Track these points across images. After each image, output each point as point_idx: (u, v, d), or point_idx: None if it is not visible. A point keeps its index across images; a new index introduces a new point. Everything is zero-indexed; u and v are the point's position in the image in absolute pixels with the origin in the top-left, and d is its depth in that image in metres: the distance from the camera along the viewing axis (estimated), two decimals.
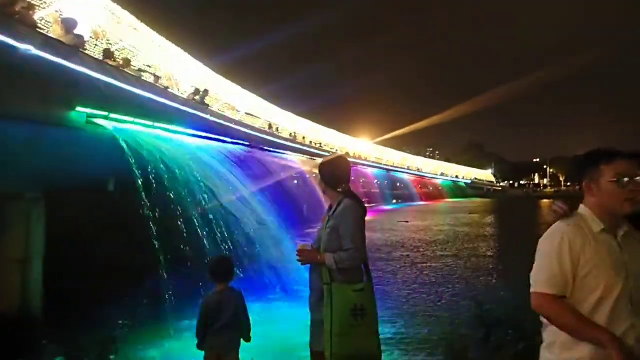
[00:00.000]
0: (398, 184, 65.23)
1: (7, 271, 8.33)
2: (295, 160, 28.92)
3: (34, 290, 8.47)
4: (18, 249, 8.35)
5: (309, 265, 3.51)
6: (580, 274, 2.20)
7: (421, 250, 17.84)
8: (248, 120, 25.50)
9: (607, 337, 2.06)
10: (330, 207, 3.55)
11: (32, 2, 7.83)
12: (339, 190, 3.51)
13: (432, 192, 76.93)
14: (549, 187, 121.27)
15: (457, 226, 28.35)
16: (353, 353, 3.31)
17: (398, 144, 77.97)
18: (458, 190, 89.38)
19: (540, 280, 2.27)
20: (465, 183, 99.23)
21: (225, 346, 3.69)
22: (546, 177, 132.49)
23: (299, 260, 3.44)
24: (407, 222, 29.63)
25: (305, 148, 33.90)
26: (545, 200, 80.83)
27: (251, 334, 3.88)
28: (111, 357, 6.66)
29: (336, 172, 3.57)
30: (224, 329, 3.66)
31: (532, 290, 2.29)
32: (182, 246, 9.19)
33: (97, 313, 7.87)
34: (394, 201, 57.31)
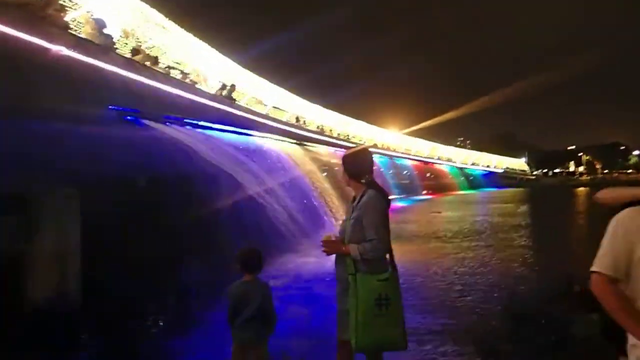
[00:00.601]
0: (428, 175, 64.60)
1: (45, 265, 8.64)
2: (323, 153, 28.97)
3: (72, 284, 8.78)
4: (55, 244, 8.66)
5: (334, 256, 3.56)
6: (635, 258, 2.17)
7: (454, 240, 17.62)
8: (275, 114, 25.64)
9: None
10: (354, 198, 3.59)
11: (64, 3, 8.03)
12: (362, 181, 3.55)
13: (460, 183, 75.79)
14: (585, 175, 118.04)
15: (491, 216, 27.95)
16: (378, 342, 3.35)
17: (427, 135, 76.74)
18: (489, 180, 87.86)
19: (596, 260, 2.28)
20: (497, 173, 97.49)
21: (252, 338, 3.73)
22: (581, 165, 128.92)
23: (324, 251, 3.49)
24: (439, 212, 29.28)
25: (333, 140, 33.92)
26: (580, 189, 78.66)
27: (275, 327, 3.89)
28: (144, 347, 6.88)
29: (359, 163, 3.62)
30: (251, 321, 3.70)
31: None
32: (211, 238, 9.36)
33: (131, 304, 8.12)
34: (424, 192, 56.79)
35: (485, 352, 6.54)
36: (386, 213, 3.49)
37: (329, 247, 3.47)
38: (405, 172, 56.02)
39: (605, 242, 2.27)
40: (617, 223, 2.24)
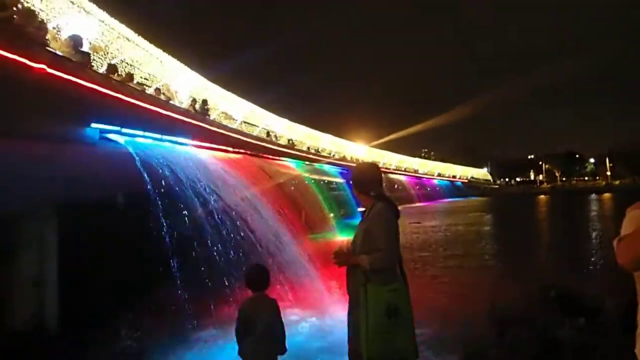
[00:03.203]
0: (396, 186, 65.28)
1: (22, 290, 8.32)
2: (295, 167, 29.05)
3: (49, 309, 8.47)
4: (32, 268, 8.36)
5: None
6: None
7: (434, 250, 18.16)
8: (246, 129, 25.53)
9: None
10: (364, 211, 3.65)
11: (43, 20, 7.86)
12: (371, 194, 3.61)
13: (429, 193, 76.95)
14: (545, 183, 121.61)
15: (464, 225, 28.82)
16: (388, 352, 3.37)
17: (394, 147, 77.61)
18: (455, 189, 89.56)
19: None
20: (462, 182, 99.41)
21: (261, 355, 3.71)
22: (541, 173, 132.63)
23: (335, 262, 3.51)
24: (419, 223, 30.08)
25: (304, 154, 34.00)
26: (542, 196, 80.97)
27: (284, 344, 3.88)
28: None
29: (367, 177, 3.69)
30: (261, 337, 3.69)
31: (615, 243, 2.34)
32: (193, 256, 9.21)
33: (114, 328, 7.90)
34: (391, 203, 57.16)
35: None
36: (395, 224, 3.55)
37: (340, 258, 3.51)
38: None
39: (626, 225, 2.39)
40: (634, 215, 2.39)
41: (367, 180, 3.68)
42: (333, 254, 3.50)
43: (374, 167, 3.81)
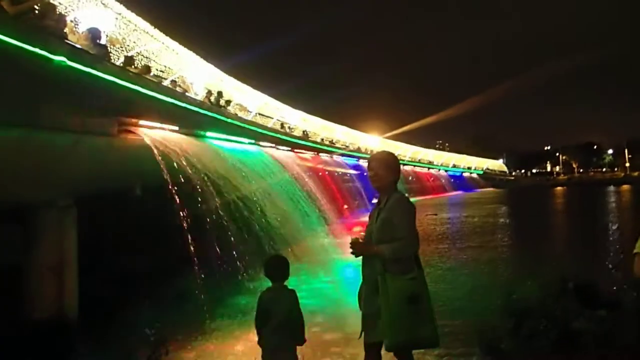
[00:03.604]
0: (410, 178, 65.00)
1: (43, 278, 8.47)
2: (310, 158, 29.08)
3: (69, 297, 8.62)
4: (52, 256, 8.50)
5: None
6: None
7: (453, 241, 18.14)
8: (260, 121, 25.58)
9: None
10: (380, 201, 3.64)
11: (63, 13, 7.94)
12: (391, 183, 3.60)
13: (444, 185, 76.53)
14: (562, 175, 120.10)
15: (479, 217, 28.73)
16: (411, 340, 3.37)
17: (408, 139, 77.34)
18: (470, 181, 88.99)
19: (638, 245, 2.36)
20: (477, 174, 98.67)
21: (280, 345, 3.73)
22: (558, 165, 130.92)
23: (352, 253, 3.51)
24: (435, 215, 30.14)
25: (318, 146, 34.00)
26: (558, 188, 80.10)
27: (303, 334, 3.90)
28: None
29: (387, 167, 3.66)
30: (278, 328, 3.70)
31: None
32: (210, 245, 9.29)
33: (132, 316, 8.00)
34: (406, 195, 57.03)
35: (491, 352, 6.61)
36: (414, 214, 3.55)
37: (358, 248, 3.50)
38: None
39: None
40: None
41: (387, 170, 3.65)
42: (350, 245, 3.49)
43: (393, 157, 3.78)
